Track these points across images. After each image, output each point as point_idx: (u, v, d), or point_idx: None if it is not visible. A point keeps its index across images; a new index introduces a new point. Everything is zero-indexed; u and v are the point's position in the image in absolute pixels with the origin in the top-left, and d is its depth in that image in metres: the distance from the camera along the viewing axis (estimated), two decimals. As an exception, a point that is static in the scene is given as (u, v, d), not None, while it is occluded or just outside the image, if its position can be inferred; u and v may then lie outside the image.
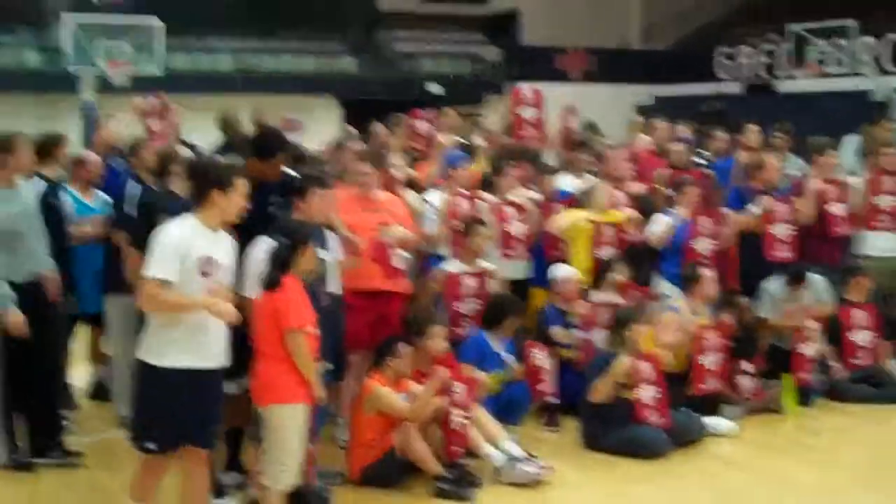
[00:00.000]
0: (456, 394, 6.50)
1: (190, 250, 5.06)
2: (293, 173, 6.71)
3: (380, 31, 27.45)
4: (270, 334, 5.43)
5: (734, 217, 8.73)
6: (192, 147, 9.12)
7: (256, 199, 5.65)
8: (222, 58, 23.75)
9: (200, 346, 5.16)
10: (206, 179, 5.26)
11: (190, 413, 5.16)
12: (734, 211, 8.82)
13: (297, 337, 5.37)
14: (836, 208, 8.94)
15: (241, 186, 5.28)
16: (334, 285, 6.53)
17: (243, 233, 5.67)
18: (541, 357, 7.52)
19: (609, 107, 24.18)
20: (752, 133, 10.00)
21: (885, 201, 9.06)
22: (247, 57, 24.00)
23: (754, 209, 8.73)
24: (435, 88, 25.24)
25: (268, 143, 6.52)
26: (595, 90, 26.45)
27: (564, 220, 8.44)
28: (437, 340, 6.85)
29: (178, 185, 6.99)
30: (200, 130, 12.80)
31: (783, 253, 8.68)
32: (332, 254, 6.48)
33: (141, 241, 6.77)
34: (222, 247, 5.26)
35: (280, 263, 5.45)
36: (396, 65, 26.06)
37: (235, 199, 5.26)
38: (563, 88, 25.82)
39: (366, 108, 22.94)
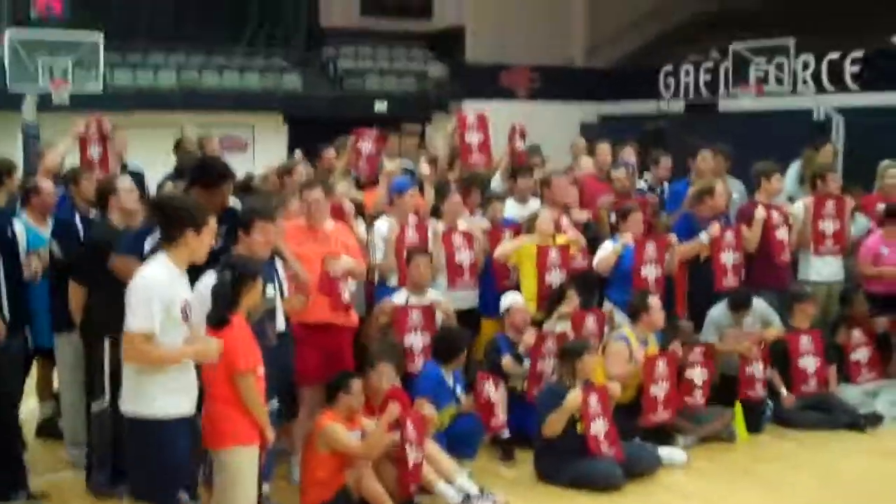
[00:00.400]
0: (408, 430, 6.41)
1: (174, 297, 4.95)
2: (237, 204, 6.61)
3: (323, 47, 27.31)
4: (219, 376, 5.31)
5: (681, 245, 8.74)
6: (136, 175, 8.98)
7: None
8: (164, 74, 23.44)
9: (187, 389, 5.09)
10: (179, 220, 5.09)
11: (186, 459, 5.09)
12: (683, 237, 8.83)
13: (247, 379, 5.27)
14: (782, 234, 9.00)
15: (213, 225, 5.22)
16: (281, 320, 6.42)
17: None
18: (492, 390, 7.46)
19: (554, 124, 24.29)
20: (705, 160, 9.90)
21: (828, 226, 9.13)
22: (189, 73, 23.72)
23: (702, 237, 8.75)
24: (380, 106, 25.16)
25: (212, 173, 6.39)
26: (540, 108, 26.59)
27: (509, 245, 8.41)
28: (387, 376, 6.78)
29: (117, 216, 6.87)
30: (143, 148, 12.64)
31: (730, 280, 8.73)
32: (278, 288, 6.39)
33: (85, 277, 6.68)
34: (188, 286, 5.20)
35: (226, 301, 5.32)
36: (341, 81, 25.91)
37: (207, 239, 5.20)
38: (509, 106, 25.94)
39: (311, 124, 22.94)
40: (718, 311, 8.61)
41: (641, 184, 10.29)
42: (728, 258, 8.81)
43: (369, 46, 27.86)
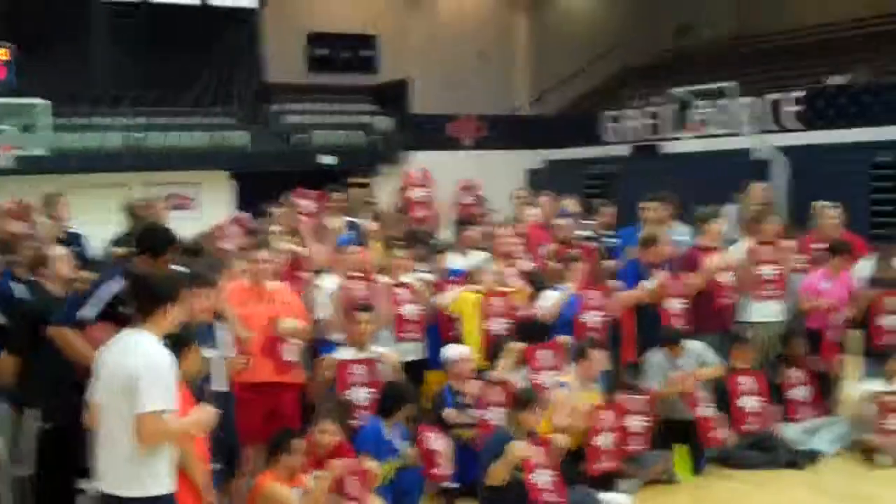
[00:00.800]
0: (349, 486, 6.44)
1: (173, 372, 4.95)
2: (182, 271, 6.64)
3: (269, 103, 27.43)
4: None
5: (625, 292, 8.86)
6: (74, 236, 9.03)
7: None
8: (110, 135, 23.43)
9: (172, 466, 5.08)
10: (157, 295, 5.08)
11: None
12: (630, 283, 8.95)
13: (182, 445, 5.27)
14: (724, 277, 9.16)
15: (186, 295, 5.28)
16: (221, 382, 6.45)
17: None
18: (435, 440, 7.49)
19: (501, 172, 24.53)
20: (651, 209, 10.04)
21: (766, 271, 9.31)
22: (135, 133, 23.72)
23: (647, 284, 8.88)
24: (328, 160, 25.27)
25: (156, 241, 6.44)
26: (487, 156, 26.82)
27: (452, 295, 8.50)
28: (330, 434, 6.81)
29: (53, 284, 6.89)
30: (90, 209, 12.63)
31: (677, 326, 8.87)
32: (219, 350, 6.42)
33: (18, 348, 6.68)
34: None
35: None
36: (288, 137, 26.03)
37: (183, 309, 5.27)
38: (456, 156, 26.17)
39: (259, 180, 22.98)
40: (656, 356, 8.73)
41: (586, 232, 10.40)
42: (673, 304, 8.97)
43: (315, 101, 28.01)
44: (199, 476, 5.38)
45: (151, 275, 5.25)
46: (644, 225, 9.98)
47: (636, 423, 8.14)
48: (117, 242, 9.61)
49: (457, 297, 8.43)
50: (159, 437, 4.86)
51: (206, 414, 5.03)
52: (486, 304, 8.41)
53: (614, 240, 10.30)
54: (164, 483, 4.92)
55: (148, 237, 6.48)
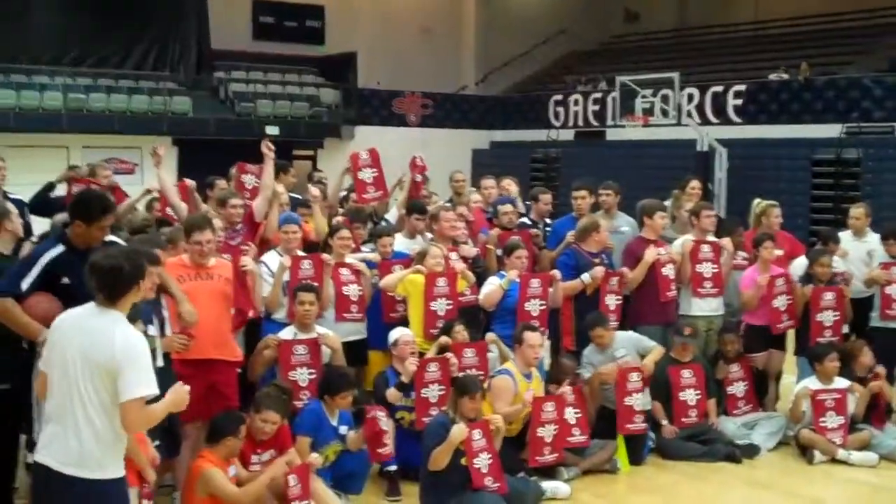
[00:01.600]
0: (291, 484, 6.39)
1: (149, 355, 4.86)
2: (118, 241, 6.50)
3: (213, 69, 27.09)
4: None
5: (567, 283, 8.86)
6: (18, 206, 8.81)
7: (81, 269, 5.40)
8: (50, 94, 22.96)
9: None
10: (127, 278, 4.88)
11: None
12: (568, 272, 8.96)
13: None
14: (667, 270, 9.22)
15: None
16: (159, 358, 6.32)
17: (70, 303, 5.40)
18: (382, 419, 7.43)
19: (446, 151, 24.55)
20: (582, 199, 9.99)
21: (706, 269, 9.37)
22: (76, 94, 23.27)
23: (584, 278, 8.89)
24: (272, 130, 25.04)
25: (92, 208, 6.27)
26: (433, 134, 26.81)
27: (396, 275, 8.46)
28: (271, 423, 6.75)
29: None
30: (28, 170, 12.43)
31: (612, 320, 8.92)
32: (159, 327, 6.31)
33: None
34: None
35: None
36: (232, 105, 25.73)
37: (148, 284, 5.30)
38: (402, 132, 26.12)
39: (201, 147, 22.72)
40: (588, 351, 8.78)
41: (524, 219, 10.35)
42: (610, 300, 9.04)
43: (261, 71, 27.73)
44: (136, 454, 5.29)
45: (115, 262, 5.08)
46: (579, 212, 9.92)
47: (572, 413, 8.19)
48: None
49: (403, 279, 8.36)
50: (144, 422, 4.81)
51: (180, 394, 4.93)
52: (431, 285, 8.36)
53: (548, 228, 10.22)
54: (120, 466, 4.84)
55: (82, 204, 6.31)
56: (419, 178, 10.18)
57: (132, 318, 5.27)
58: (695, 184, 10.85)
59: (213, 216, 8.13)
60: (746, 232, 10.15)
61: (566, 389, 8.08)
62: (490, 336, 8.56)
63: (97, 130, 23.07)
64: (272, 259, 8.28)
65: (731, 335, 9.44)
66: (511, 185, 10.75)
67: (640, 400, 8.35)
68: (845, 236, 10.08)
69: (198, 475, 6.32)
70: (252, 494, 6.34)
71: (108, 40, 25.89)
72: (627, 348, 8.74)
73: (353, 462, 7.28)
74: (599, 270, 8.94)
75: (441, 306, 8.44)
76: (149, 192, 9.83)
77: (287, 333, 7.76)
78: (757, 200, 10.42)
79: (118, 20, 25.56)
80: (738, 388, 9.38)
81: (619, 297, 9.16)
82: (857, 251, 9.93)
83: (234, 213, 8.61)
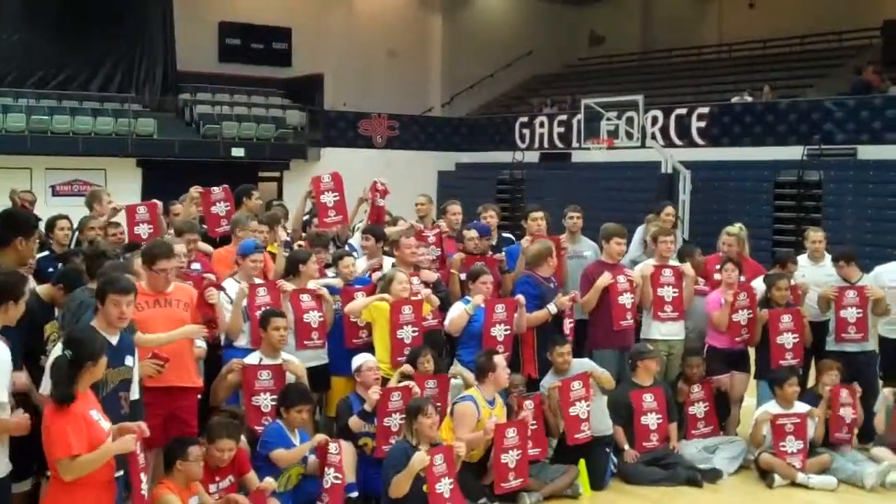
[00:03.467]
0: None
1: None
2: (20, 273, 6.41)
3: (178, 91, 27.03)
4: (50, 459, 5.23)
5: (534, 314, 8.87)
6: None
7: None
8: (13, 116, 22.83)
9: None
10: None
11: None
12: (531, 300, 8.97)
13: (64, 465, 5.14)
14: (624, 299, 9.24)
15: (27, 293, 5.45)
16: (135, 389, 6.29)
17: None
18: (333, 451, 7.39)
19: (412, 172, 24.63)
20: (536, 221, 9.99)
21: (666, 293, 9.43)
22: (40, 116, 23.15)
23: (551, 308, 8.90)
24: (238, 151, 25.02)
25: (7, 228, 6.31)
26: (398, 156, 26.88)
27: (361, 302, 8.46)
28: (227, 452, 6.73)
29: None
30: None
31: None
32: (135, 358, 6.27)
33: None
34: None
35: (63, 380, 5.19)
36: (197, 126, 25.67)
37: (22, 307, 5.49)
38: (367, 154, 26.16)
39: (166, 169, 22.66)
40: (549, 375, 8.81)
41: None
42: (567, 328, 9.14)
43: (227, 92, 27.70)
44: (101, 457, 5.26)
45: None
46: (535, 235, 9.88)
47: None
48: None
49: (368, 305, 8.37)
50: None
51: (128, 442, 5.13)
52: (397, 312, 8.37)
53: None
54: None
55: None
56: (381, 202, 10.20)
57: (90, 356, 5.28)
58: (669, 210, 10.88)
59: (176, 241, 8.13)
60: (710, 256, 10.21)
61: (527, 413, 8.08)
62: (454, 368, 8.58)
63: (61, 152, 22.97)
64: (230, 286, 8.26)
65: (696, 358, 9.50)
66: (493, 218, 10.69)
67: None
68: (802, 261, 10.15)
69: (154, 500, 6.28)
70: None
71: (73, 61, 25.77)
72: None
73: (314, 486, 7.26)
74: (565, 302, 8.97)
75: (407, 334, 8.44)
76: (115, 210, 9.72)
77: (252, 359, 7.76)
78: (727, 227, 10.42)
79: (83, 41, 25.47)
80: (698, 409, 9.44)
81: (572, 320, 9.18)
82: (814, 276, 10.00)
83: (193, 239, 8.66)
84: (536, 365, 8.99)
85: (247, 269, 8.31)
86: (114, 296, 5.83)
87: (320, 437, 7.30)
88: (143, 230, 9.12)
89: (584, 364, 8.80)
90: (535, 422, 8.31)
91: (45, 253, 8.81)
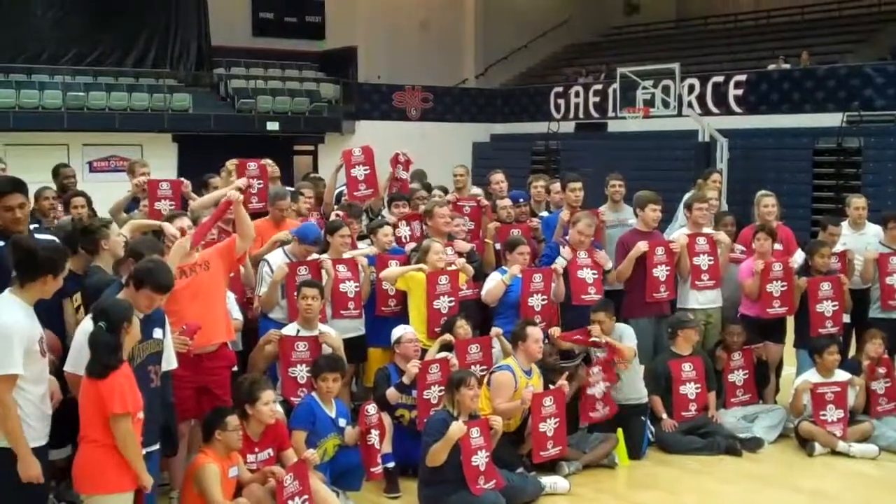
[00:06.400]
0: (286, 485, 6.37)
1: (32, 335, 5.16)
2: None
3: (213, 66, 27.09)
4: (95, 419, 5.24)
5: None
6: None
7: None
8: (50, 93, 22.98)
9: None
10: (42, 265, 5.26)
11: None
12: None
13: (122, 423, 5.19)
14: (659, 272, 9.16)
15: (65, 269, 5.40)
16: (172, 359, 6.30)
17: None
18: (373, 415, 7.40)
19: (447, 144, 24.57)
20: (574, 191, 9.85)
21: (702, 261, 9.33)
22: (76, 93, 23.28)
23: (559, 260, 8.87)
24: (272, 125, 25.07)
25: None
26: (433, 128, 26.82)
27: (397, 270, 8.45)
28: (268, 408, 6.73)
29: None
30: (28, 169, 12.36)
31: (591, 293, 8.97)
32: (166, 331, 6.27)
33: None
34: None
35: (108, 349, 5.24)
36: (232, 100, 25.73)
37: (60, 282, 5.38)
38: (402, 126, 26.12)
39: (202, 144, 22.74)
40: None
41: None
42: (585, 274, 8.99)
43: (261, 67, 27.73)
44: (135, 459, 5.30)
45: (40, 245, 5.36)
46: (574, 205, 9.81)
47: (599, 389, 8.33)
48: None
49: (404, 273, 8.36)
50: None
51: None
52: (433, 283, 8.36)
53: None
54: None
55: None
56: (403, 174, 10.16)
57: (125, 318, 5.33)
58: (716, 176, 10.85)
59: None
60: (749, 225, 10.10)
61: (564, 383, 8.03)
62: (495, 330, 8.55)
63: (97, 128, 23.13)
64: (276, 258, 8.26)
65: (737, 326, 9.41)
66: (501, 182, 10.69)
67: (553, 425, 7.82)
68: (843, 228, 10.00)
69: (194, 470, 6.33)
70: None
71: (108, 38, 25.89)
72: (625, 339, 8.66)
73: (351, 457, 7.27)
74: (567, 250, 8.96)
75: (444, 304, 8.44)
76: (138, 186, 9.57)
77: (290, 330, 7.77)
78: (760, 192, 10.34)
79: (117, 18, 25.58)
80: (737, 377, 9.37)
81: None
82: (855, 243, 9.87)
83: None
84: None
85: (336, 245, 8.44)
86: (149, 291, 5.79)
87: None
88: (164, 206, 9.00)
89: (627, 330, 8.74)
90: (607, 384, 8.35)
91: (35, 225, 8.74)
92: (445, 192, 10.77)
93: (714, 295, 9.44)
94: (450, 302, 8.46)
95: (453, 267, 8.62)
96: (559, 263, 8.89)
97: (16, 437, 5.07)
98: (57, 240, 6.21)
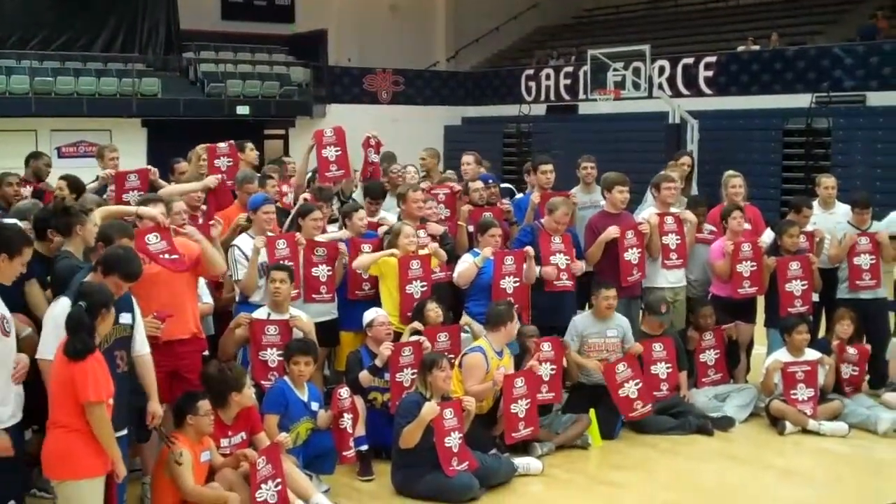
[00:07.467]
0: (260, 469, 6.36)
1: None
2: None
3: (182, 50, 26.89)
4: (65, 403, 5.20)
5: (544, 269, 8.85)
6: None
7: None
8: (17, 78, 22.74)
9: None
10: None
11: None
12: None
13: (97, 410, 5.16)
14: (630, 255, 9.13)
15: (27, 254, 5.39)
16: (144, 343, 6.26)
17: None
18: (345, 398, 7.40)
19: (418, 127, 24.50)
20: (545, 174, 9.93)
21: (671, 240, 9.34)
22: (44, 78, 23.05)
23: (531, 250, 8.79)
24: (243, 109, 24.93)
25: None
26: (404, 111, 26.75)
27: (369, 257, 8.43)
28: (250, 392, 6.73)
29: None
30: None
31: (564, 280, 8.94)
32: (135, 315, 6.24)
33: None
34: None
35: (87, 330, 5.21)
36: (202, 85, 25.55)
37: (18, 266, 5.42)
38: (373, 109, 26.03)
39: (171, 128, 22.60)
40: (582, 319, 8.80)
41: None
42: (558, 259, 8.93)
43: (230, 50, 27.54)
44: (110, 445, 5.28)
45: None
46: (536, 190, 9.87)
47: (547, 369, 8.25)
48: None
49: (376, 259, 8.34)
50: None
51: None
52: (405, 267, 8.35)
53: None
54: None
55: None
56: (374, 157, 10.12)
57: (105, 303, 5.33)
58: (685, 159, 10.86)
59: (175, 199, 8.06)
60: (717, 206, 10.14)
61: (535, 363, 8.05)
62: (464, 319, 8.56)
63: (66, 114, 22.93)
64: (244, 242, 8.21)
65: (707, 308, 9.46)
66: (469, 164, 10.70)
67: (524, 406, 7.82)
68: (813, 208, 10.08)
69: (166, 455, 6.31)
70: (202, 497, 6.31)
71: (76, 22, 25.65)
72: (620, 330, 8.76)
73: (324, 441, 7.26)
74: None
75: (416, 289, 8.43)
76: (105, 178, 9.47)
77: (261, 313, 7.73)
78: (727, 172, 10.39)
79: (85, 2, 25.36)
80: (709, 357, 9.42)
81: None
82: (824, 223, 9.92)
83: (196, 196, 8.68)
84: (530, 313, 8.94)
85: (260, 221, 8.25)
86: (118, 279, 5.75)
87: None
88: (132, 198, 8.92)
89: (623, 323, 8.81)
90: (553, 365, 8.30)
91: None
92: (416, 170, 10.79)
93: (680, 273, 9.47)
94: (422, 286, 8.45)
95: (425, 251, 8.60)
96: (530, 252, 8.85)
97: None
98: (17, 222, 6.18)
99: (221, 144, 9.55)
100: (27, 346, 5.75)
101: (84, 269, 6.10)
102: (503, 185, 10.95)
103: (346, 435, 7.28)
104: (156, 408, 6.16)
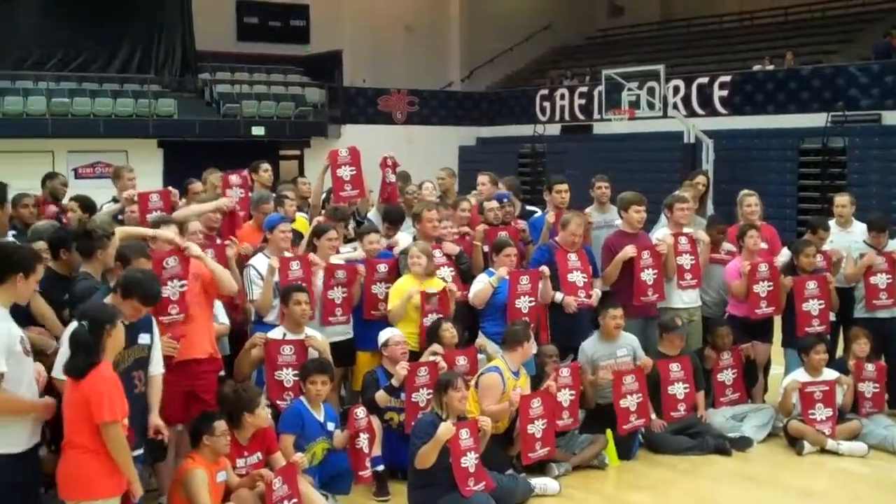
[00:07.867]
0: (275, 489, 6.35)
1: (11, 335, 5.14)
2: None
3: (198, 71, 27.01)
4: (80, 425, 5.21)
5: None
6: None
7: None
8: (34, 99, 22.86)
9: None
10: (9, 262, 5.25)
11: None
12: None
13: (113, 430, 5.17)
14: (646, 275, 9.09)
15: (40, 272, 5.39)
16: (159, 364, 6.28)
17: None
18: (362, 418, 7.40)
19: (433, 148, 24.53)
20: (560, 193, 9.94)
21: (685, 261, 9.30)
22: (60, 99, 23.17)
23: (557, 296, 8.84)
24: (258, 130, 25.01)
25: None
26: (419, 131, 26.81)
27: (400, 309, 8.36)
28: (265, 412, 6.72)
29: None
30: (12, 176, 12.34)
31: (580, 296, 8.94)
32: (154, 336, 6.25)
33: None
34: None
35: (87, 350, 5.22)
36: (218, 106, 25.64)
37: (33, 284, 5.39)
38: (388, 130, 26.08)
39: (187, 149, 22.67)
40: (590, 344, 8.75)
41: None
42: (576, 277, 8.95)
43: (246, 71, 27.64)
44: (126, 464, 5.28)
45: (5, 245, 5.45)
46: (560, 207, 9.88)
47: (567, 395, 8.22)
48: None
49: (405, 305, 8.33)
50: None
51: (49, 406, 5.28)
52: (424, 302, 8.34)
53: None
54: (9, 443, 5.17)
55: None
56: (391, 177, 10.12)
57: (108, 320, 5.33)
58: (700, 178, 10.80)
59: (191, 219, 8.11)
60: (733, 225, 10.10)
61: (551, 384, 8.03)
62: (479, 340, 8.57)
63: (82, 135, 23.00)
64: (260, 262, 8.23)
65: (724, 328, 9.43)
66: (484, 185, 10.71)
67: (542, 426, 7.86)
68: (830, 226, 10.04)
69: (182, 475, 6.31)
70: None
71: (92, 44, 25.78)
72: (630, 348, 8.74)
73: (340, 461, 7.25)
74: (572, 304, 8.93)
75: (433, 320, 8.39)
76: (129, 200, 9.49)
77: (276, 333, 7.73)
78: (742, 191, 10.36)
79: (102, 23, 25.47)
80: (726, 376, 9.38)
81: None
82: (841, 242, 9.88)
83: (213, 217, 8.70)
84: (549, 332, 8.93)
85: (276, 241, 8.27)
86: (136, 302, 5.82)
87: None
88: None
89: (633, 337, 8.79)
90: (573, 391, 8.27)
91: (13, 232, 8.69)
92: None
93: (695, 294, 9.44)
94: (439, 317, 8.43)
95: (442, 282, 8.57)
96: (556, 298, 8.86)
97: (22, 407, 5.19)
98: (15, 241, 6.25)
99: (233, 177, 9.59)
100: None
101: (101, 290, 6.12)
102: (528, 208, 10.88)
103: (362, 455, 7.28)
104: (157, 421, 6.15)
